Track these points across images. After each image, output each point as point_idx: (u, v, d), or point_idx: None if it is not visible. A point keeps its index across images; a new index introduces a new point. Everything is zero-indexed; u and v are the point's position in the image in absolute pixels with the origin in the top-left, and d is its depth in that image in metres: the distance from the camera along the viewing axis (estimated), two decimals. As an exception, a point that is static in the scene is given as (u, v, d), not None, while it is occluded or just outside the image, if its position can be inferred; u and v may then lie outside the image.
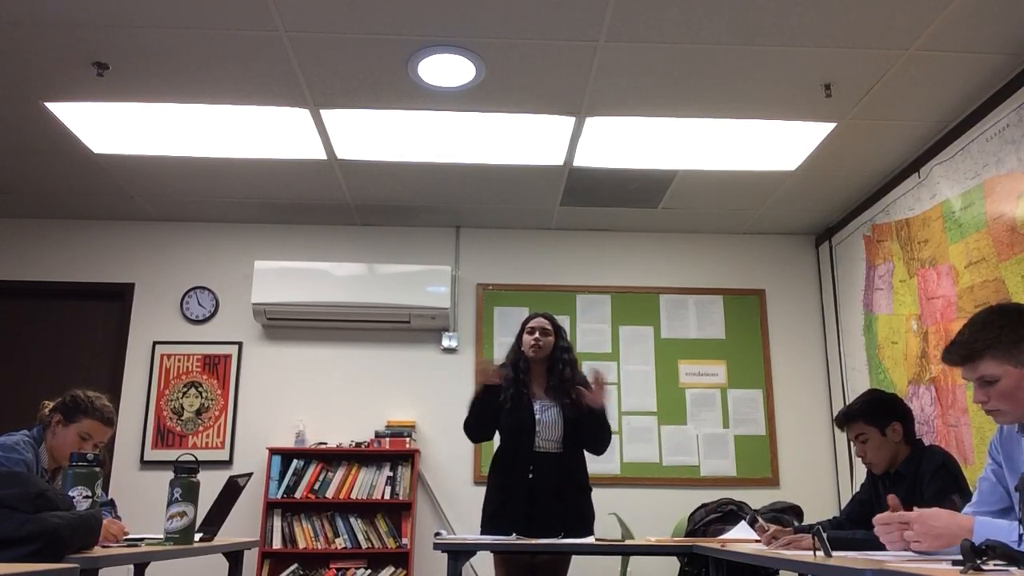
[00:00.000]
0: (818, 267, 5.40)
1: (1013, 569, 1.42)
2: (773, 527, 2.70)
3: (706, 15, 3.11)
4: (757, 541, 2.91)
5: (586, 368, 3.57)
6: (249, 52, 3.38)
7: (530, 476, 3.38)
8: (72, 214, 5.20)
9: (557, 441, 3.45)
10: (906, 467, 2.72)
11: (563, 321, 5.16)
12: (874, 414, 2.77)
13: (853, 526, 2.83)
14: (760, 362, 5.21)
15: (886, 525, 1.95)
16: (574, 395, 3.43)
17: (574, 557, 3.46)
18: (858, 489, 3.03)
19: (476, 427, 3.51)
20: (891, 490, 2.76)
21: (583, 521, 3.45)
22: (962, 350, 1.95)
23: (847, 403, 3.02)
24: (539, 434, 3.44)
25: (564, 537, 3.17)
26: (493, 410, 3.45)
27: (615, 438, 5.01)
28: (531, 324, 3.56)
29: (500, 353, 4.97)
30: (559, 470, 3.42)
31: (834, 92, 3.63)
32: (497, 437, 3.55)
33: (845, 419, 2.84)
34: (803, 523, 3.54)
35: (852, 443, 2.87)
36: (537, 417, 3.45)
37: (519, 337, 3.57)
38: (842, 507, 4.92)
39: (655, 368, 5.17)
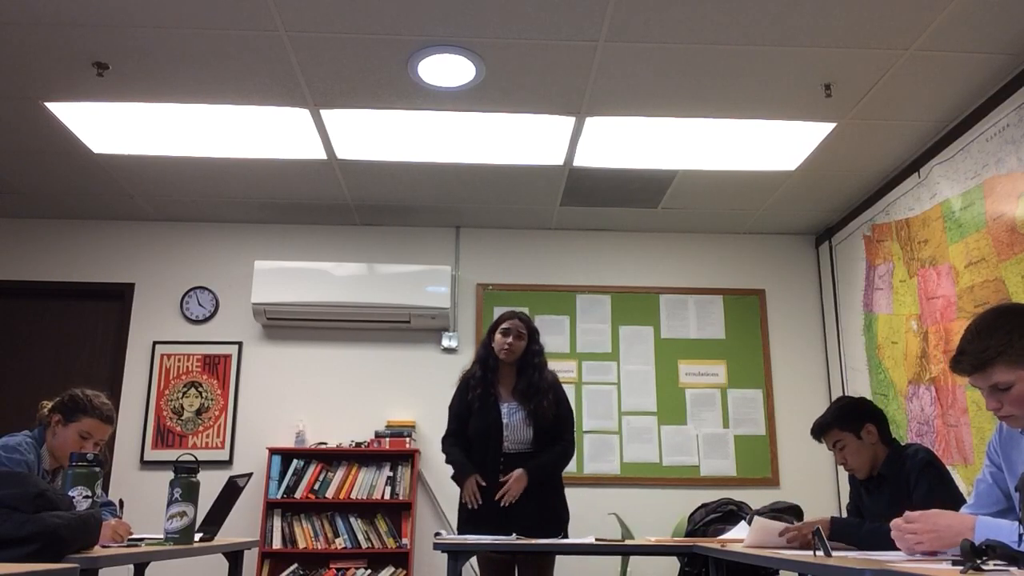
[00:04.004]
0: (818, 267, 5.40)
1: (1013, 569, 1.42)
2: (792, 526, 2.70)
3: (706, 15, 3.11)
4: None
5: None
6: (249, 52, 3.38)
7: (500, 477, 3.38)
8: (72, 214, 5.20)
9: (526, 443, 3.45)
10: (887, 468, 2.72)
11: (563, 321, 5.25)
12: (846, 419, 2.78)
13: None
14: (760, 362, 5.21)
15: (898, 530, 1.94)
16: (543, 403, 3.44)
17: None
18: (848, 501, 3.04)
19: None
20: (875, 493, 2.76)
21: (557, 520, 3.45)
22: (973, 360, 1.89)
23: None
24: (507, 437, 3.44)
25: (538, 536, 3.16)
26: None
27: (615, 438, 5.04)
28: (505, 325, 3.50)
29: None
30: None
31: (834, 92, 3.62)
32: None
33: (820, 430, 2.84)
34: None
35: (833, 453, 2.87)
36: (504, 421, 3.45)
37: (491, 334, 3.53)
38: (842, 508, 4.93)
39: (655, 368, 5.17)
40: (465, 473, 3.40)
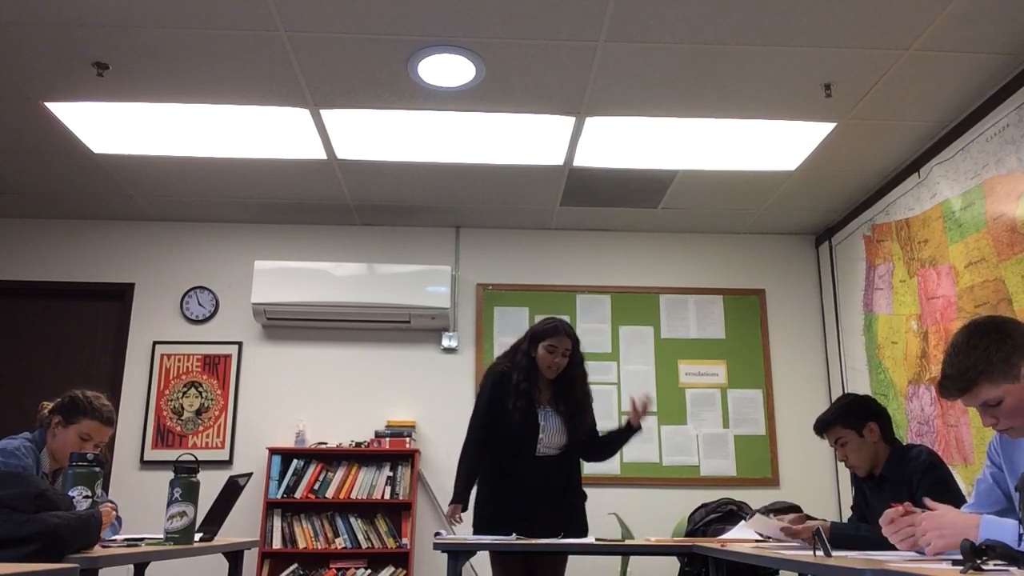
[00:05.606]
0: (818, 267, 5.40)
1: (1013, 569, 1.42)
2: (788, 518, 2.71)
3: (706, 15, 3.11)
4: (758, 541, 2.91)
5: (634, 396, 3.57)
6: (249, 52, 3.38)
7: (531, 480, 3.38)
8: (72, 214, 5.20)
9: (558, 447, 3.45)
10: (889, 468, 2.72)
11: (563, 321, 5.23)
12: (849, 416, 2.79)
13: None
14: (760, 362, 5.21)
15: (893, 524, 1.94)
16: (586, 419, 3.49)
17: (574, 557, 3.46)
18: (851, 501, 3.04)
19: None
20: (876, 493, 2.76)
21: (580, 524, 3.46)
22: (958, 383, 1.90)
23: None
24: (542, 440, 3.42)
25: (562, 538, 3.16)
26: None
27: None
28: (551, 342, 3.40)
29: (500, 353, 4.97)
30: (558, 474, 3.42)
31: (834, 92, 3.62)
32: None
33: (822, 426, 2.85)
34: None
35: (834, 449, 2.88)
36: (541, 424, 3.43)
37: (535, 345, 3.43)
38: (842, 507, 4.93)
39: (655, 368, 5.17)
40: (454, 500, 3.35)
